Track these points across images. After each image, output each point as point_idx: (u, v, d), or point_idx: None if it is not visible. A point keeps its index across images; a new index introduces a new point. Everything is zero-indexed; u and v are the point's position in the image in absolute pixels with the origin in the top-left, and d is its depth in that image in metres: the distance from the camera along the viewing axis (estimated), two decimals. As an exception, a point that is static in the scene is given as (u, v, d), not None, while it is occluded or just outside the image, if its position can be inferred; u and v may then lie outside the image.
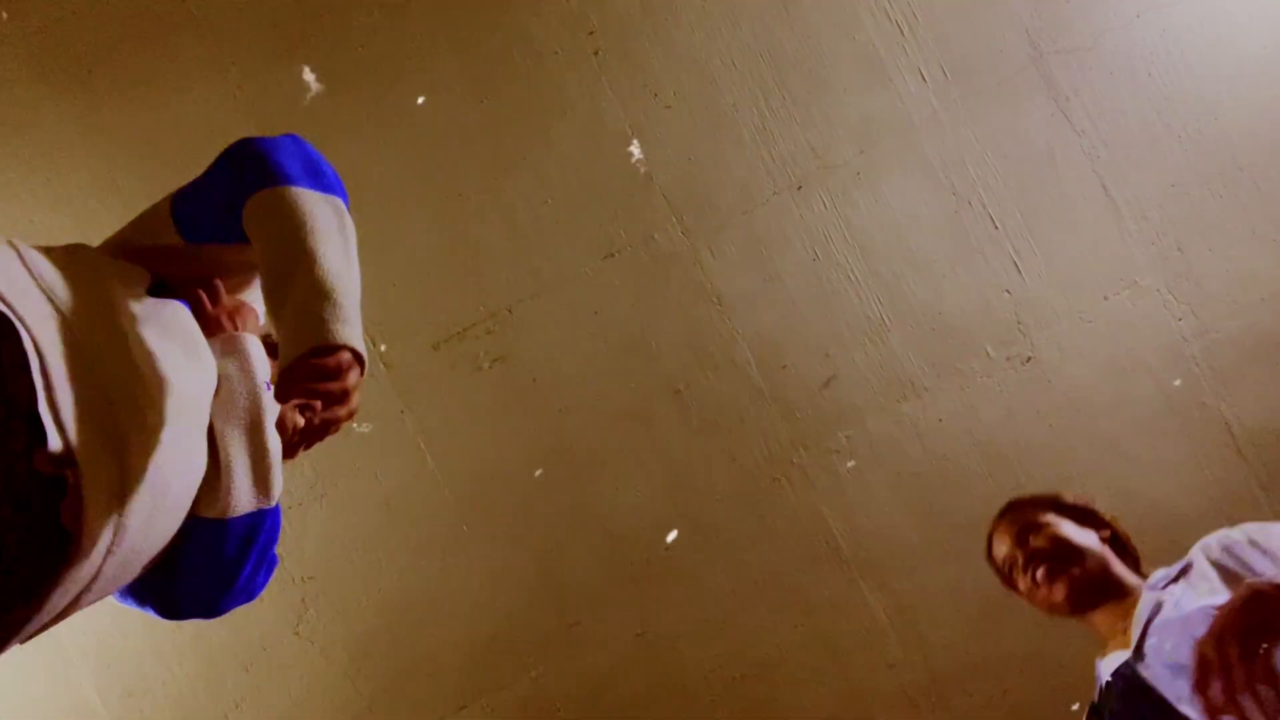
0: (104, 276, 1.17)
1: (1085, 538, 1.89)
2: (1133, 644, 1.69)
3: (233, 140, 1.38)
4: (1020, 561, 1.89)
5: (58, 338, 1.03)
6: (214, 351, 1.21)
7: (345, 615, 2.40)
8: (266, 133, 2.34)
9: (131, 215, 1.40)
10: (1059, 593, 1.83)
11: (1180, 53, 2.43)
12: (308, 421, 1.14)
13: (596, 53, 2.41)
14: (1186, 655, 1.54)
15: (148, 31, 2.34)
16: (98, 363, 1.06)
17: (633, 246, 2.43)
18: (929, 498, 2.47)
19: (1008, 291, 2.46)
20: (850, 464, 2.46)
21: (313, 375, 1.09)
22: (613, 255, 2.43)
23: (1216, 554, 1.73)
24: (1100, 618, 1.83)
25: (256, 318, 1.35)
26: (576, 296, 2.42)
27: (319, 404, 1.11)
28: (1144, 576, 1.85)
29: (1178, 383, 2.47)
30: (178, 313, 1.20)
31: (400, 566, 2.40)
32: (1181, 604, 1.65)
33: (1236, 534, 1.74)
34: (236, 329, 1.27)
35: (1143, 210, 2.45)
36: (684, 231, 2.43)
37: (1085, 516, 1.95)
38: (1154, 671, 1.63)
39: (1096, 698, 1.79)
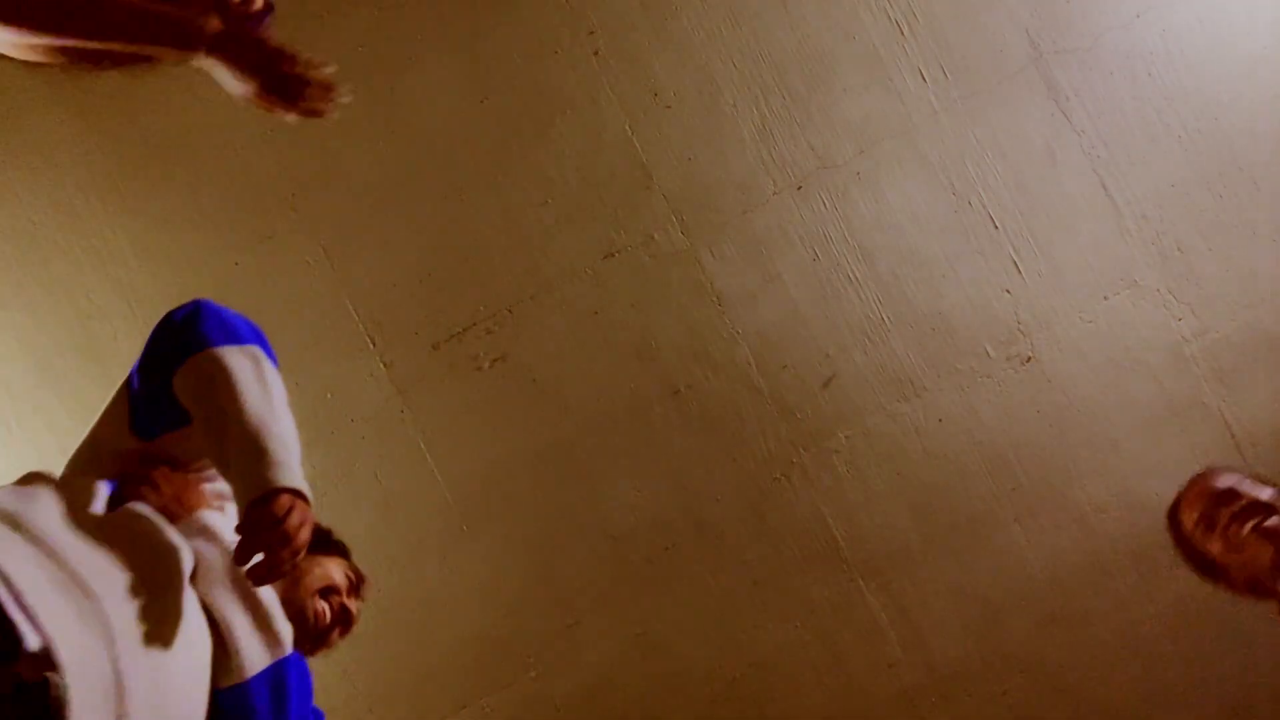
0: (59, 503, 1.21)
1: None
2: None
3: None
4: (1224, 519, 1.86)
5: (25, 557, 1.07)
6: (184, 535, 1.27)
7: (345, 615, 2.40)
8: (266, 133, 2.35)
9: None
10: (1267, 551, 1.81)
11: (1180, 53, 2.43)
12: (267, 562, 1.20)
13: (596, 53, 2.41)
14: None
15: (148, 31, 2.34)
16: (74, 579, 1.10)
17: (633, 246, 2.43)
18: (929, 498, 2.47)
19: (1008, 291, 2.46)
20: (850, 464, 2.46)
21: (256, 527, 1.15)
22: (613, 255, 2.43)
23: None
24: None
25: (200, 490, 1.38)
26: (576, 296, 2.42)
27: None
28: None
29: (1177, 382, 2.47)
30: (135, 519, 1.25)
31: (400, 567, 2.40)
32: None
33: None
34: (189, 509, 1.32)
35: (1143, 210, 2.45)
36: (684, 231, 2.43)
37: (1273, 484, 1.96)
38: None
39: None
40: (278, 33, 1.37)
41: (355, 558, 1.67)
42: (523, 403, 2.41)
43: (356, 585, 1.59)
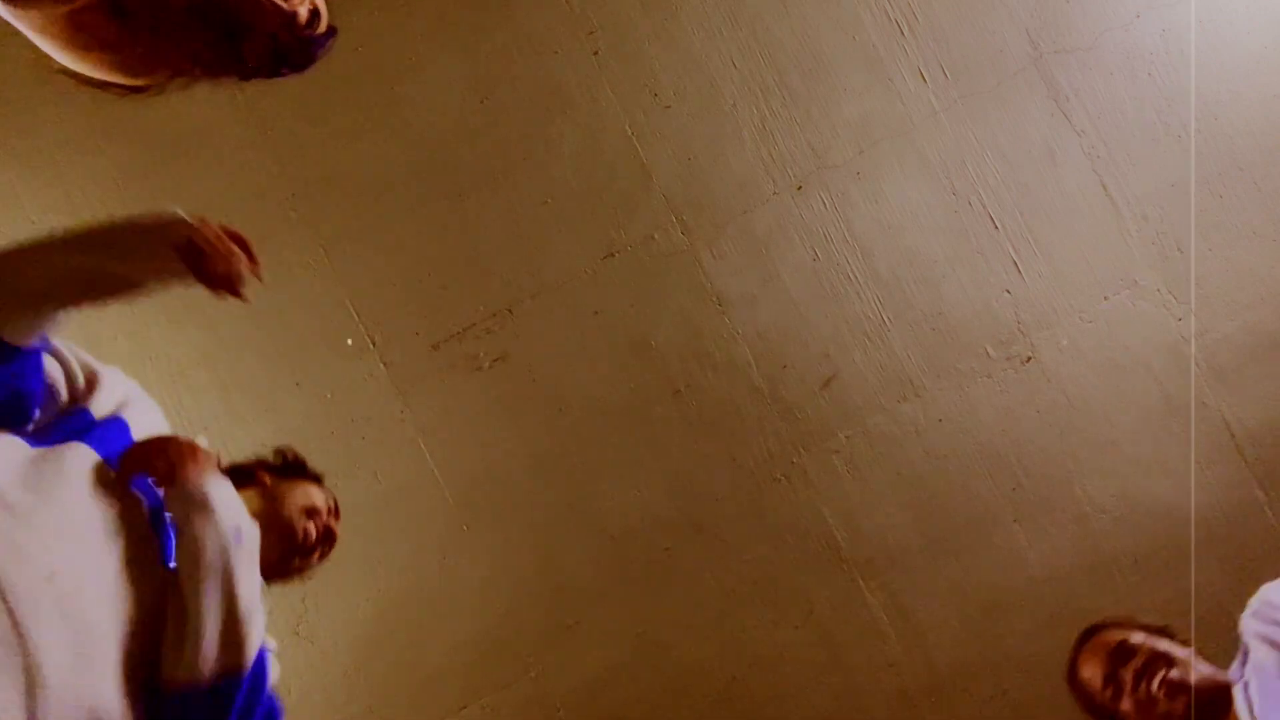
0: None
1: (1182, 651, 1.90)
2: None
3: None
4: (1129, 680, 1.86)
5: None
6: (171, 501, 1.26)
7: (345, 615, 2.40)
8: (266, 133, 2.35)
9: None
10: (1179, 707, 1.80)
11: (1180, 52, 2.43)
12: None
13: (596, 53, 2.41)
14: None
15: (148, 31, 2.34)
16: None
17: (633, 246, 2.43)
18: (929, 498, 2.47)
19: (1008, 291, 2.46)
20: (850, 464, 2.46)
21: None
22: (613, 255, 2.43)
23: (1260, 630, 1.81)
24: None
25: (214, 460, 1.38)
26: (576, 296, 2.42)
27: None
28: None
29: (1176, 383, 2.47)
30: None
31: (400, 566, 2.40)
32: (1255, 691, 1.73)
33: (1256, 603, 1.83)
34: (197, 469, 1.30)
35: (1143, 210, 2.45)
36: (684, 231, 2.43)
37: (1166, 633, 1.97)
38: None
39: None
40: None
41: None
42: (523, 403, 2.41)
43: (335, 510, 1.64)
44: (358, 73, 2.38)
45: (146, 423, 1.43)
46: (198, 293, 2.35)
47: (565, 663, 2.42)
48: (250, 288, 1.35)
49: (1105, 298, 2.46)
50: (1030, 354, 2.47)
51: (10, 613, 1.05)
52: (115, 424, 1.37)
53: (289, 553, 1.53)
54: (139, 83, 1.27)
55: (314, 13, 1.64)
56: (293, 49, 1.38)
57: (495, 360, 2.41)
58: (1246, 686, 1.77)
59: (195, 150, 2.35)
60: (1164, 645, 1.91)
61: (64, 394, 1.35)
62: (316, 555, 1.59)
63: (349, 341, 2.38)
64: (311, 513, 1.56)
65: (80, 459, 1.25)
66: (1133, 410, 2.47)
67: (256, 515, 1.48)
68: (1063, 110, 2.43)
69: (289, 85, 2.36)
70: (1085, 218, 2.45)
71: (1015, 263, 2.46)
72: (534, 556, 2.42)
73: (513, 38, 2.39)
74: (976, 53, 2.43)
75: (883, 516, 2.46)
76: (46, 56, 1.21)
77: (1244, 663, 1.82)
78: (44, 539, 1.13)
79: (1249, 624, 1.82)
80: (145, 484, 1.32)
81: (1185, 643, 1.95)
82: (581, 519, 2.43)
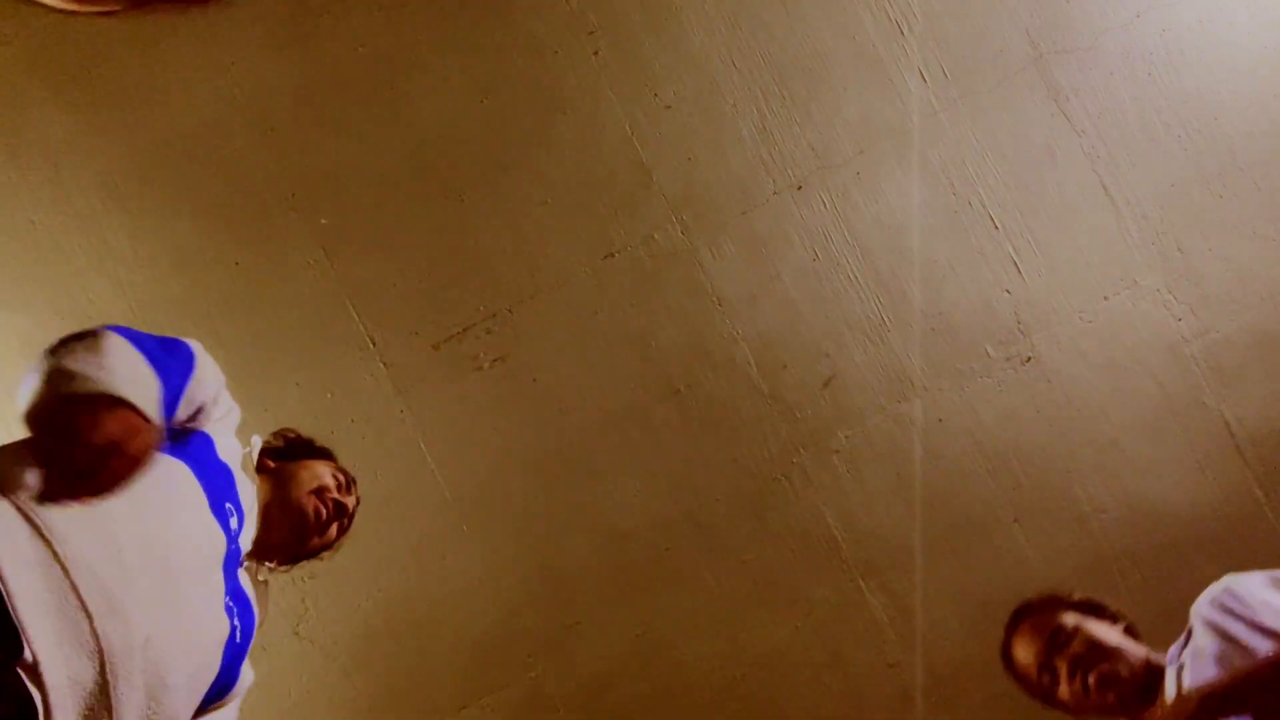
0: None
1: (1116, 636, 1.86)
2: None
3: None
4: (1064, 670, 1.82)
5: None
6: None
7: (345, 615, 2.40)
8: (266, 133, 2.35)
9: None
10: (1111, 697, 1.78)
11: (1180, 52, 2.43)
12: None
13: (596, 53, 2.41)
14: None
15: (148, 32, 2.34)
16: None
17: (633, 246, 2.43)
18: (929, 498, 2.47)
19: (1008, 291, 2.46)
20: (850, 464, 2.46)
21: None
22: (613, 255, 2.43)
23: (1208, 615, 1.76)
24: (1152, 714, 1.80)
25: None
26: (576, 296, 2.42)
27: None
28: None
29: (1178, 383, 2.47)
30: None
31: (400, 566, 2.40)
32: (1188, 674, 1.69)
33: (1217, 591, 1.77)
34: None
35: (1143, 210, 2.45)
36: (684, 231, 2.43)
37: (1099, 611, 1.92)
38: None
39: None
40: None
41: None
42: (523, 403, 2.41)
43: (347, 484, 1.66)
44: (358, 73, 2.38)
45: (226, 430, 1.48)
46: (197, 294, 2.36)
47: (565, 663, 2.42)
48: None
49: (1105, 298, 2.46)
50: (1030, 354, 2.47)
51: (106, 676, 1.08)
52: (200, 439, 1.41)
53: (305, 533, 1.55)
54: (105, 7, 1.28)
55: None
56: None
57: (495, 360, 2.41)
58: (1180, 669, 1.74)
59: (195, 150, 2.35)
60: (1097, 630, 1.85)
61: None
62: (335, 531, 1.61)
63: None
64: (320, 491, 1.58)
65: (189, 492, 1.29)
66: (1133, 410, 2.47)
67: (266, 503, 1.50)
68: (1063, 110, 2.43)
69: (289, 85, 2.37)
70: (1085, 218, 2.45)
71: (1015, 263, 2.46)
72: (534, 556, 2.42)
73: (513, 38, 2.39)
74: (976, 53, 2.43)
75: (883, 516, 2.46)
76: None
77: (1183, 645, 1.78)
78: (145, 603, 1.14)
79: (1204, 609, 1.77)
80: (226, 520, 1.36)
81: (1116, 617, 1.92)
82: (581, 519, 2.43)
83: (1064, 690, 1.83)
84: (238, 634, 1.36)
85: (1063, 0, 2.42)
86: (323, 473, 1.62)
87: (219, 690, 1.37)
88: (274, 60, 2.36)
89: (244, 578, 1.46)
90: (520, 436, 2.42)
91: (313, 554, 1.63)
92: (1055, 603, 1.93)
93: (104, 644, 1.08)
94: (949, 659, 2.48)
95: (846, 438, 2.46)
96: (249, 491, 1.48)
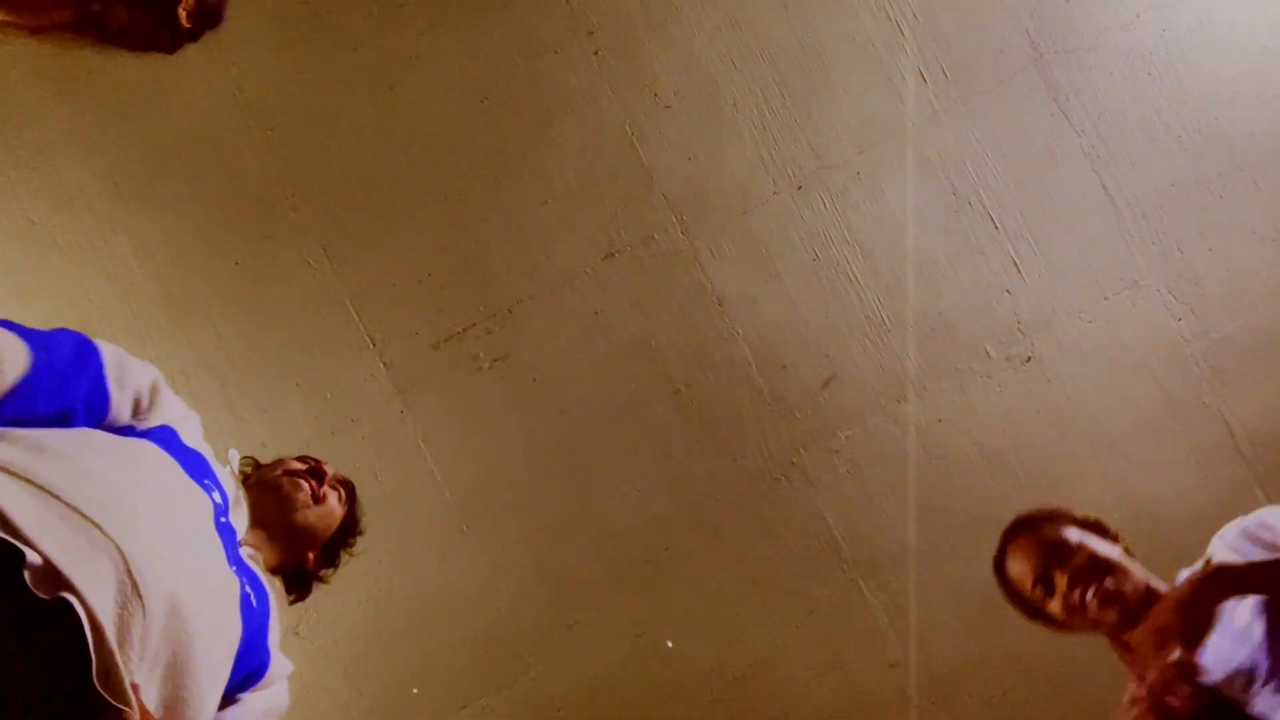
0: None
1: (1118, 554, 1.81)
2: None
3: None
4: (1064, 583, 1.76)
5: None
6: None
7: (345, 615, 2.40)
8: (266, 133, 2.34)
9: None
10: (1111, 615, 1.73)
11: (1180, 53, 2.43)
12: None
13: (596, 53, 2.41)
14: (1244, 656, 1.55)
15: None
16: None
17: (633, 246, 2.43)
18: (929, 498, 2.47)
19: (1008, 291, 2.46)
20: (850, 464, 2.46)
21: None
22: (613, 255, 2.43)
23: (1233, 540, 1.72)
24: (1140, 635, 1.72)
25: None
26: (576, 296, 2.42)
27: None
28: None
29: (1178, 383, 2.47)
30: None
31: (400, 566, 2.40)
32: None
33: (1249, 521, 1.73)
34: None
35: (1143, 210, 2.44)
36: (684, 231, 2.43)
37: (1100, 530, 1.87)
38: (1213, 676, 1.60)
39: None
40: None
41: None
42: (523, 403, 2.41)
43: (316, 463, 1.65)
44: (358, 73, 2.38)
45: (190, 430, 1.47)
46: (197, 294, 2.36)
47: (565, 663, 2.42)
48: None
49: (1105, 298, 2.46)
50: (1030, 354, 2.47)
51: (131, 574, 1.08)
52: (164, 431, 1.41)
53: (292, 508, 1.54)
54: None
55: None
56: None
57: (495, 360, 2.41)
58: None
59: (195, 150, 2.35)
60: (1100, 546, 1.80)
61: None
62: (335, 500, 1.60)
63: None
64: (289, 471, 1.58)
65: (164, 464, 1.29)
66: (1133, 410, 2.47)
67: (252, 510, 1.50)
68: (1063, 110, 2.43)
69: (289, 85, 2.37)
70: (1085, 218, 2.44)
71: (1015, 263, 2.46)
72: (534, 556, 2.42)
73: (513, 38, 2.39)
74: (976, 53, 2.43)
75: (883, 516, 2.46)
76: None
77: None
78: (146, 521, 1.15)
79: (1230, 535, 1.73)
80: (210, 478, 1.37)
81: (1116, 538, 1.86)
82: (581, 519, 2.43)
83: (1057, 604, 1.77)
84: (252, 599, 1.35)
85: (1063, 0, 2.42)
86: (286, 459, 1.64)
87: (251, 670, 1.36)
88: (274, 60, 2.36)
89: (247, 558, 1.45)
90: (520, 436, 2.42)
91: (317, 545, 1.62)
92: (1057, 517, 1.88)
93: (123, 547, 1.07)
94: (949, 659, 2.48)
95: (846, 438, 2.46)
96: (228, 479, 1.48)
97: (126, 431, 1.35)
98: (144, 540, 1.11)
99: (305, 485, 1.56)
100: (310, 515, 1.57)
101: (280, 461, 1.64)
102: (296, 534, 1.56)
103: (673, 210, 2.43)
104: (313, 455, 1.70)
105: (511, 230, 2.41)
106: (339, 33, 2.37)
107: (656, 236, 2.43)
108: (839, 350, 2.45)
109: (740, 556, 2.45)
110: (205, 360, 2.35)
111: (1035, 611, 1.86)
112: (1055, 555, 1.80)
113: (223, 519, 1.36)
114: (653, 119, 2.42)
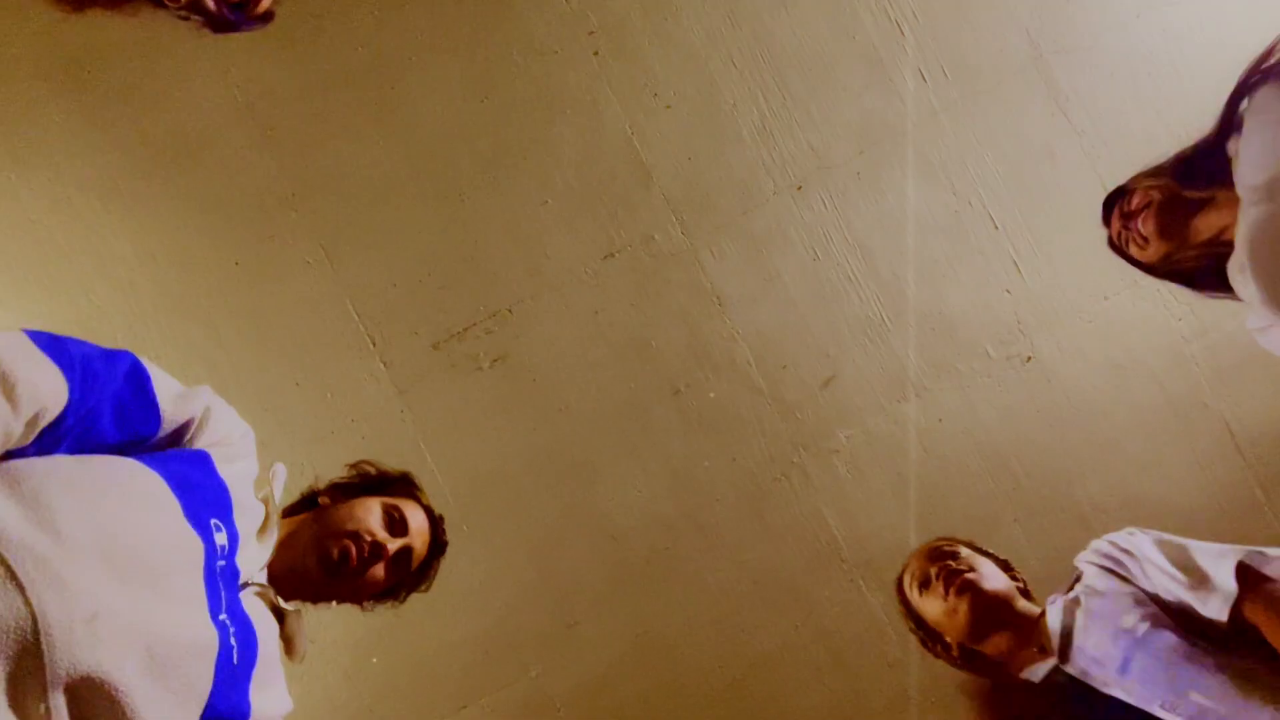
0: None
1: (996, 573, 2.13)
2: (1055, 650, 1.94)
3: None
4: (933, 573, 2.10)
5: None
6: None
7: (345, 615, 2.39)
8: (266, 133, 2.35)
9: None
10: (962, 608, 2.05)
11: (1180, 53, 2.43)
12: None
13: (596, 53, 2.41)
14: (1109, 647, 1.81)
15: (148, 32, 2.34)
16: None
17: (633, 246, 2.43)
18: (929, 498, 2.47)
19: (1008, 291, 2.46)
20: (850, 464, 2.46)
21: None
22: (613, 255, 2.43)
23: (1094, 558, 2.02)
24: (1000, 640, 2.05)
25: None
26: (576, 296, 2.42)
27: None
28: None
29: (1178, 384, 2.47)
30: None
31: (400, 566, 2.40)
32: (1093, 608, 1.90)
33: (1102, 544, 2.02)
34: None
35: (1143, 210, 2.44)
36: (684, 231, 2.43)
37: (1002, 564, 2.20)
38: (1080, 668, 1.88)
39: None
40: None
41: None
42: (523, 403, 2.41)
43: (399, 525, 1.55)
44: (358, 73, 2.38)
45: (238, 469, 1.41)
46: (197, 294, 2.37)
47: (565, 663, 2.42)
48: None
49: (1105, 298, 2.46)
50: (1030, 354, 2.47)
51: (39, 642, 1.02)
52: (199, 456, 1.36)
53: (333, 575, 1.46)
54: None
55: None
56: (213, 15, 1.43)
57: (495, 360, 2.41)
58: (1075, 605, 1.93)
59: (195, 150, 2.35)
60: (984, 564, 2.13)
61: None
62: (383, 572, 1.51)
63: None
64: (352, 535, 1.47)
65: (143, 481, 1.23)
66: (1133, 410, 2.47)
67: (303, 539, 1.46)
68: (1063, 110, 2.43)
69: (289, 85, 2.37)
70: (1086, 218, 2.44)
71: (1015, 263, 2.46)
72: (534, 556, 2.42)
73: (513, 38, 2.39)
74: (976, 53, 2.43)
75: (883, 516, 2.46)
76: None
77: (1068, 590, 2.01)
78: (91, 578, 1.09)
79: (1104, 547, 2.00)
80: (207, 527, 1.30)
81: (1016, 577, 2.19)
82: (581, 519, 2.43)
83: (932, 607, 2.14)
84: (234, 654, 1.28)
85: (1063, 0, 2.42)
86: (365, 514, 1.52)
87: (224, 717, 1.30)
88: (274, 60, 2.36)
89: (251, 602, 1.39)
90: (520, 436, 2.42)
91: (356, 598, 1.54)
92: (959, 542, 2.25)
93: (38, 610, 1.02)
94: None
95: (846, 438, 2.46)
96: (254, 516, 1.41)
97: (159, 455, 1.30)
98: (75, 607, 1.05)
99: (356, 562, 1.46)
100: (354, 585, 1.50)
101: (354, 512, 1.52)
102: (319, 586, 1.49)
103: (673, 210, 2.43)
104: (418, 501, 1.63)
105: (511, 230, 2.41)
106: (339, 33, 2.37)
107: (656, 236, 2.43)
108: (839, 350, 2.45)
109: (740, 556, 2.45)
110: (205, 360, 2.35)
111: (923, 624, 2.18)
112: (934, 556, 2.16)
113: (221, 563, 1.30)
114: (653, 119, 2.42)
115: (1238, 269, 1.79)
